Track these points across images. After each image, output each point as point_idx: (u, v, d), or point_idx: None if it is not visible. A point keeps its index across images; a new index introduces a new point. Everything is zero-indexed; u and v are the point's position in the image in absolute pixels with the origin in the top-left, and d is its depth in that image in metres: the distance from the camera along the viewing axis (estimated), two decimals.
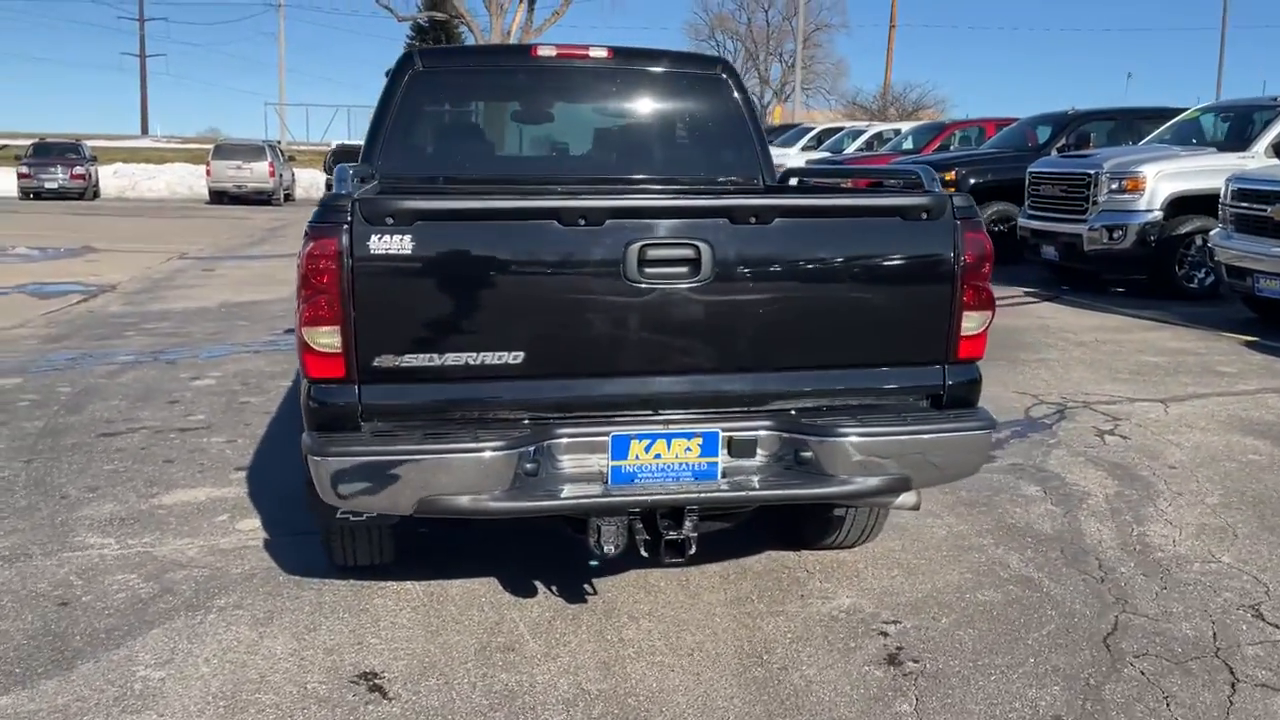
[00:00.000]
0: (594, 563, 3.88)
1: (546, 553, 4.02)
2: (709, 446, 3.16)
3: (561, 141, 5.37)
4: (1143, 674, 3.24)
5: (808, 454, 3.18)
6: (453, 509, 3.02)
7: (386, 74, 4.74)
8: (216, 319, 9.96)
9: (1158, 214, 10.82)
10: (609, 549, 3.19)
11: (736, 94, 4.92)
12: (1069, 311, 10.54)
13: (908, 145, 19.48)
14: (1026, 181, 12.36)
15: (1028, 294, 11.63)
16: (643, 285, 3.05)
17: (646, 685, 3.16)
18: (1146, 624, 3.58)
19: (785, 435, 3.21)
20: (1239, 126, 11.78)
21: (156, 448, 5.53)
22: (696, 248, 3.06)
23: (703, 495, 3.15)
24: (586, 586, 3.79)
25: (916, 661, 3.32)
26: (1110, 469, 5.27)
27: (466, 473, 2.99)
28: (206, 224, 22.88)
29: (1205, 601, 3.76)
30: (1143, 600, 3.76)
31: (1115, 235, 10.97)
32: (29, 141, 35.23)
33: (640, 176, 4.81)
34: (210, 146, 34.66)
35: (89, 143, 35.75)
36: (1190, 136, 12.25)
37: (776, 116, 46.03)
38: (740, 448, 3.20)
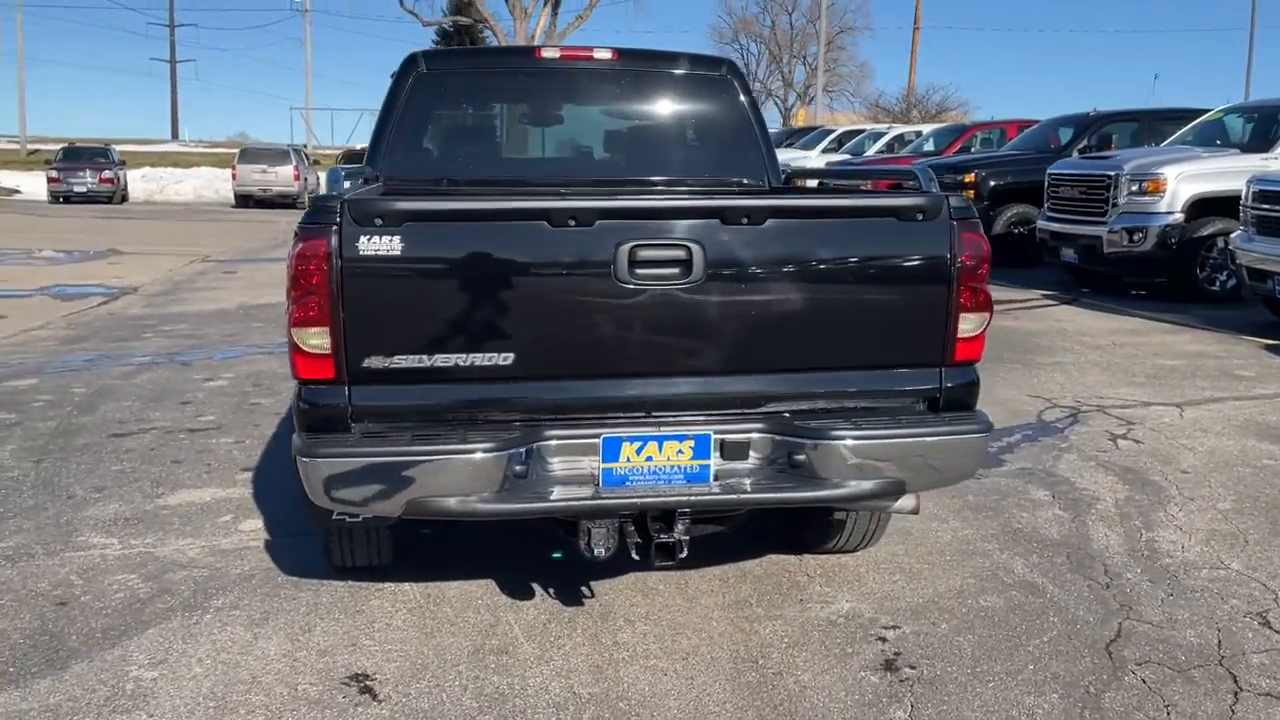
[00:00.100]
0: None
1: (545, 555, 4.00)
2: (701, 449, 3.13)
3: (565, 143, 5.36)
4: (1144, 682, 3.18)
5: (801, 457, 3.14)
6: (441, 511, 3.01)
7: (391, 76, 4.75)
8: (234, 321, 10.03)
9: (1179, 216, 10.67)
10: (599, 552, 3.16)
11: (741, 95, 4.88)
12: (1087, 314, 10.42)
13: (929, 147, 19.36)
14: (1046, 183, 12.22)
15: (1046, 297, 11.52)
16: (634, 286, 3.02)
17: (638, 689, 3.14)
18: (1150, 631, 3.52)
19: (779, 438, 3.18)
20: (1262, 127, 11.59)
21: (165, 448, 5.56)
22: (688, 248, 3.03)
23: (694, 498, 3.12)
24: (584, 589, 3.77)
25: (914, 667, 3.28)
26: (1121, 473, 5.20)
27: (456, 475, 2.98)
28: (231, 227, 23.09)
29: (1212, 608, 3.69)
30: (1148, 607, 3.70)
31: (1135, 237, 10.82)
32: (60, 146, 35.68)
33: (644, 177, 4.78)
34: (236, 151, 34.99)
35: (119, 147, 36.21)
36: (1213, 138, 12.08)
37: (800, 119, 45.88)
38: (733, 450, 3.17)
